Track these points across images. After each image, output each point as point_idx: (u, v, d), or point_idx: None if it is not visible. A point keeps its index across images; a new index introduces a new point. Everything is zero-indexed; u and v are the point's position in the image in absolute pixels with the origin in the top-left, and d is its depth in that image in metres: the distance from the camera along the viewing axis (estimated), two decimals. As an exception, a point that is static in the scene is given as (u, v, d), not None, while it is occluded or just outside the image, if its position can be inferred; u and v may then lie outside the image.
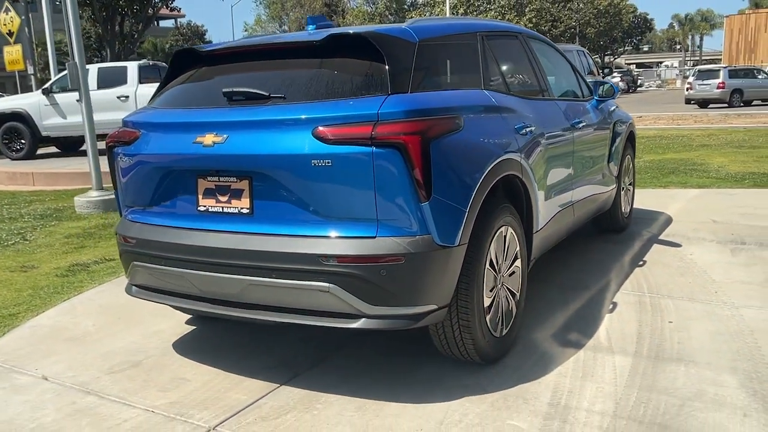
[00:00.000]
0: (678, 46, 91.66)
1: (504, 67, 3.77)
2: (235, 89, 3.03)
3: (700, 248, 5.25)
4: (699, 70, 27.61)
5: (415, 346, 3.53)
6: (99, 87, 13.06)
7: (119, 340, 3.84)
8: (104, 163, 8.90)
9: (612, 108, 5.45)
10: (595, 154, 4.88)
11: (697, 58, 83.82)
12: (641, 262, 4.94)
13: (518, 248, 3.46)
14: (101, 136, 10.74)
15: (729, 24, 55.48)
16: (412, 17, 46.36)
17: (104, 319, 4.21)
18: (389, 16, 55.67)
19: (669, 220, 6.30)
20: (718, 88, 25.95)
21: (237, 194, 2.97)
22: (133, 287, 3.45)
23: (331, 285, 2.76)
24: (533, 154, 3.60)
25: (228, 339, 3.82)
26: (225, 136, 2.91)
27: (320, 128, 2.73)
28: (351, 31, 3.00)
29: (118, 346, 3.76)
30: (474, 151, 3.06)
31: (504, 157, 3.22)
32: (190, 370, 3.40)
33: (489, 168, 3.07)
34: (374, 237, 2.75)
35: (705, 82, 26.41)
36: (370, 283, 2.74)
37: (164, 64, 15.09)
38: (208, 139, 2.94)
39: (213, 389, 3.18)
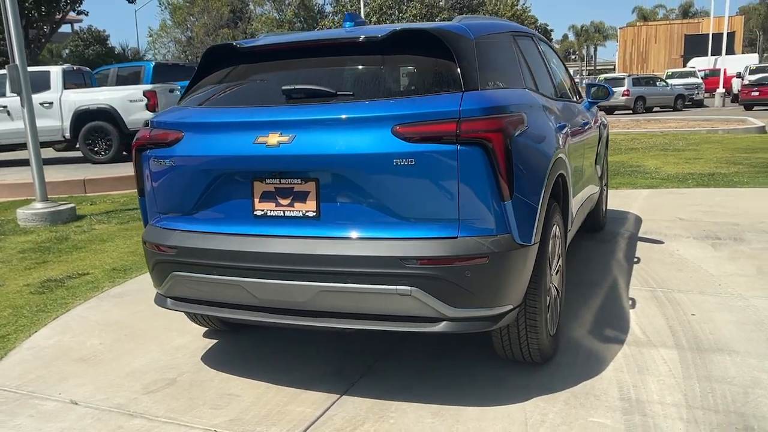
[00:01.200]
0: (573, 56, 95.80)
1: (532, 67, 3.79)
2: (297, 86, 2.87)
3: (682, 245, 5.46)
4: (605, 78, 28.96)
5: (455, 350, 3.48)
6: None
7: (139, 358, 3.58)
8: (48, 172, 8.42)
9: (598, 111, 5.61)
10: (593, 156, 5.00)
11: (592, 68, 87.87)
12: (636, 259, 5.09)
13: (561, 246, 3.48)
14: (22, 146, 10.10)
15: (623, 35, 58.66)
16: (323, 25, 46.24)
17: (109, 337, 3.91)
18: (297, 24, 55.22)
19: (638, 219, 6.54)
20: (623, 95, 27.35)
21: (301, 197, 2.82)
22: (168, 300, 3.20)
23: (413, 288, 2.66)
24: (568, 153, 3.63)
25: (258, 350, 3.63)
26: (292, 135, 2.76)
27: (402, 126, 2.64)
28: (415, 27, 2.92)
29: (141, 363, 3.50)
30: (539, 149, 3.05)
31: (558, 155, 3.23)
32: (236, 385, 3.20)
33: (551, 166, 3.07)
34: (456, 237, 2.68)
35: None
36: (453, 284, 2.66)
37: (88, 69, 14.33)
38: (272, 139, 2.78)
39: (270, 403, 3.01)
